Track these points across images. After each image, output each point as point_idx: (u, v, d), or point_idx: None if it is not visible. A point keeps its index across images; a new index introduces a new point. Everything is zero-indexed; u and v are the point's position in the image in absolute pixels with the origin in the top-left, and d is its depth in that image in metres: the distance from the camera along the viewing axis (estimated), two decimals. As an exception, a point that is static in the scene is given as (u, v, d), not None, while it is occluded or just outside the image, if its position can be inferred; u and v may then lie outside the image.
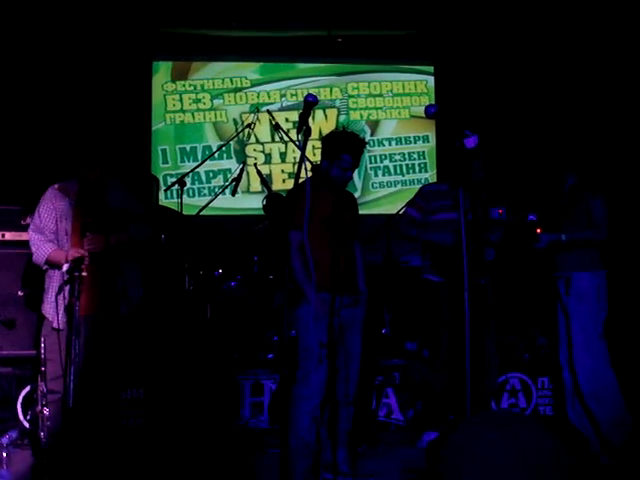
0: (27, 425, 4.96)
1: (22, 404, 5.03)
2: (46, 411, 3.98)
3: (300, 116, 3.40)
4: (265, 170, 7.85)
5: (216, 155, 7.43)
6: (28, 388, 5.02)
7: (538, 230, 5.47)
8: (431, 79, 8.39)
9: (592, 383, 4.60)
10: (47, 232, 4.21)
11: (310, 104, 3.43)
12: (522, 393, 5.55)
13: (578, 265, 4.71)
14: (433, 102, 8.25)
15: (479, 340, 4.07)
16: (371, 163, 8.23)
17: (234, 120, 8.09)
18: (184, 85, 8.11)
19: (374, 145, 8.23)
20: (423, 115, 3.92)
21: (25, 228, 4.74)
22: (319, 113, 8.11)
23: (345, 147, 4.19)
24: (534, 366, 5.66)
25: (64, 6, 7.03)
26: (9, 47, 7.00)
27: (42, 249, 4.16)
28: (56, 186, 4.31)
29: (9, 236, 5.39)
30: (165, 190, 7.18)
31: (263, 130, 8.01)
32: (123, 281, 4.27)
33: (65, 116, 7.26)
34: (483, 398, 4.67)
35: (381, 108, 8.31)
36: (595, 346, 4.64)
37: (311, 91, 7.96)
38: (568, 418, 4.68)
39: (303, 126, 3.37)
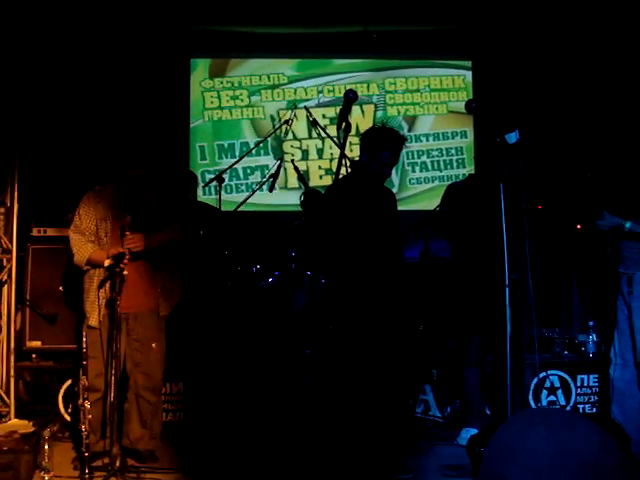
0: (68, 418, 5.04)
1: (63, 397, 5.11)
2: (87, 404, 4.03)
3: (340, 112, 3.40)
4: (302, 166, 7.86)
5: (254, 151, 7.46)
6: (69, 381, 5.09)
7: (578, 226, 5.41)
8: (469, 74, 8.33)
9: None
10: (87, 233, 4.26)
11: (350, 100, 3.43)
12: (561, 391, 5.50)
13: None
14: (471, 97, 8.19)
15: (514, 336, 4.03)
16: (408, 159, 8.20)
17: (271, 116, 8.12)
18: (222, 82, 8.15)
19: (411, 141, 8.19)
20: (461, 110, 3.92)
21: (67, 224, 4.81)
22: (356, 109, 8.09)
23: (385, 143, 4.21)
24: (574, 364, 5.61)
25: (103, 5, 7.11)
26: (49, 47, 7.08)
27: (83, 250, 4.21)
28: (96, 188, 4.36)
29: (51, 232, 5.48)
30: (203, 186, 7.25)
31: (300, 126, 8.02)
32: (162, 280, 4.31)
33: (105, 114, 7.35)
34: (521, 394, 4.65)
35: (418, 104, 8.27)
36: None
37: (348, 87, 7.99)
38: (612, 415, 4.60)
39: (343, 122, 3.37)
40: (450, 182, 7.67)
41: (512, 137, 3.44)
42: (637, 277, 4.54)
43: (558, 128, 7.65)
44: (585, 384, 5.54)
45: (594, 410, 5.49)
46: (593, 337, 5.76)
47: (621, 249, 4.63)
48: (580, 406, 5.50)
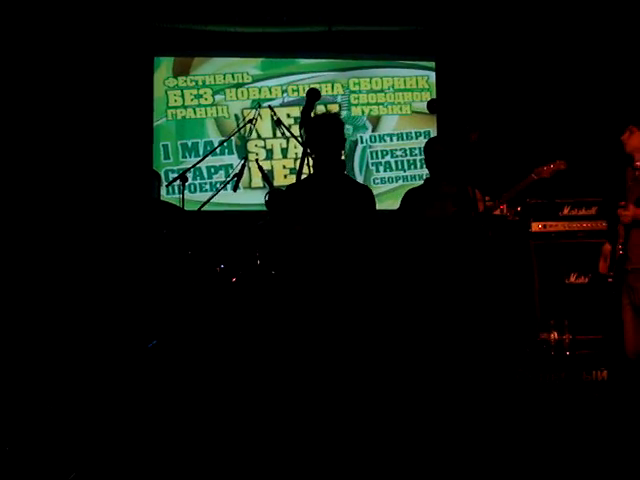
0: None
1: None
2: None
3: (302, 111, 3.41)
4: (267, 166, 7.86)
5: (218, 151, 7.44)
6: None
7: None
8: (432, 75, 8.38)
9: None
10: None
11: (312, 99, 3.44)
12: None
13: None
14: (434, 98, 8.25)
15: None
16: (372, 159, 8.24)
17: (235, 116, 8.10)
18: (185, 81, 8.11)
19: (375, 141, 8.24)
20: (424, 111, 3.92)
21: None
22: (321, 109, 8.08)
23: (321, 132, 4.12)
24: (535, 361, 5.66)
25: (65, 3, 7.05)
26: (8, 44, 7.01)
27: None
28: None
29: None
30: (167, 186, 7.18)
31: (264, 126, 8.01)
32: None
33: (69, 112, 7.29)
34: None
35: (382, 104, 8.31)
36: None
37: (313, 86, 7.99)
38: None
39: (305, 120, 3.38)
40: (414, 182, 7.82)
41: (473, 137, 3.47)
42: None
43: (520, 128, 7.75)
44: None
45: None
46: (554, 335, 5.82)
47: (635, 243, 4.68)
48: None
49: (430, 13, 7.82)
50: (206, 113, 8.10)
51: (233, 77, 8.16)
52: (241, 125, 7.32)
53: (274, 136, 8.08)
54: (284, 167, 8.10)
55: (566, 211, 6.33)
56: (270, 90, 8.17)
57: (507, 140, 7.66)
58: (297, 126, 3.55)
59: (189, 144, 8.03)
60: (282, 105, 8.09)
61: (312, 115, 3.33)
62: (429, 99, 8.20)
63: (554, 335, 5.80)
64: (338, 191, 4.32)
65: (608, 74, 7.39)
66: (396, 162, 8.27)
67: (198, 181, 7.95)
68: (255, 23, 7.93)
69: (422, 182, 5.56)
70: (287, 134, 6.56)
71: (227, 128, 7.99)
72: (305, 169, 3.46)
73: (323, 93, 8.08)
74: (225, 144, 7.61)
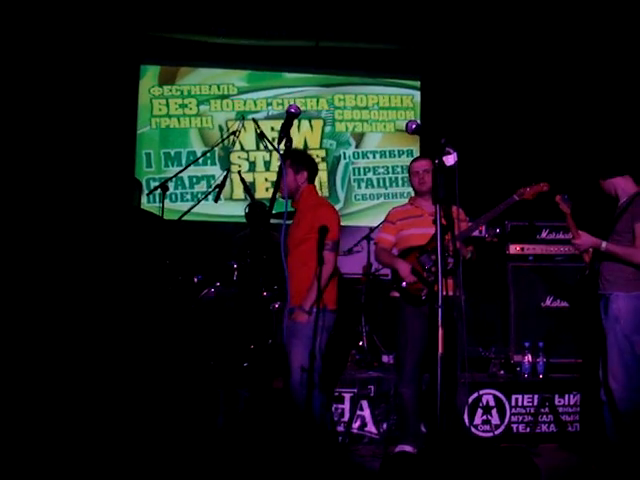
0: None
1: None
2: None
3: (282, 127, 3.41)
4: (249, 178, 7.86)
5: (200, 161, 7.44)
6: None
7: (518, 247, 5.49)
8: (417, 94, 8.43)
9: (627, 403, 4.46)
10: None
11: (292, 115, 3.44)
12: (496, 410, 5.56)
13: (616, 285, 4.55)
14: (418, 117, 8.30)
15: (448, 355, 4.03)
16: (355, 175, 8.26)
17: (219, 127, 8.09)
18: (171, 90, 8.10)
19: (358, 157, 8.26)
20: (407, 130, 3.92)
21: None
22: (305, 123, 8.13)
23: None
24: (509, 383, 5.68)
25: (53, 8, 7.03)
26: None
27: None
28: None
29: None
30: (148, 194, 7.15)
31: (248, 138, 8.02)
32: None
33: (53, 118, 7.26)
34: (454, 413, 4.67)
35: (367, 121, 8.34)
36: (631, 366, 4.50)
37: (297, 101, 8.03)
38: (608, 436, 4.57)
39: (284, 137, 3.39)
40: (395, 200, 7.85)
41: (450, 160, 3.47)
42: (612, 298, 4.54)
43: (503, 147, 7.80)
44: (520, 404, 5.60)
45: (527, 430, 5.56)
46: (528, 357, 5.85)
47: (601, 270, 4.66)
48: (514, 425, 5.57)
49: (416, 33, 7.87)
50: (190, 123, 8.10)
51: (219, 88, 8.16)
52: (225, 136, 7.32)
53: (257, 149, 8.08)
54: (266, 180, 8.10)
55: (544, 234, 6.35)
56: (255, 103, 8.18)
57: (491, 159, 7.71)
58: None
59: (172, 153, 8.02)
60: (267, 118, 8.10)
61: (293, 132, 3.35)
62: (413, 118, 8.25)
63: (528, 358, 5.81)
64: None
65: (592, 97, 7.45)
66: (378, 179, 8.29)
67: (180, 190, 7.94)
68: (243, 35, 7.94)
69: (403, 200, 5.57)
70: (270, 147, 6.58)
71: (211, 139, 7.99)
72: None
73: (308, 108, 8.18)
74: (208, 154, 7.61)
